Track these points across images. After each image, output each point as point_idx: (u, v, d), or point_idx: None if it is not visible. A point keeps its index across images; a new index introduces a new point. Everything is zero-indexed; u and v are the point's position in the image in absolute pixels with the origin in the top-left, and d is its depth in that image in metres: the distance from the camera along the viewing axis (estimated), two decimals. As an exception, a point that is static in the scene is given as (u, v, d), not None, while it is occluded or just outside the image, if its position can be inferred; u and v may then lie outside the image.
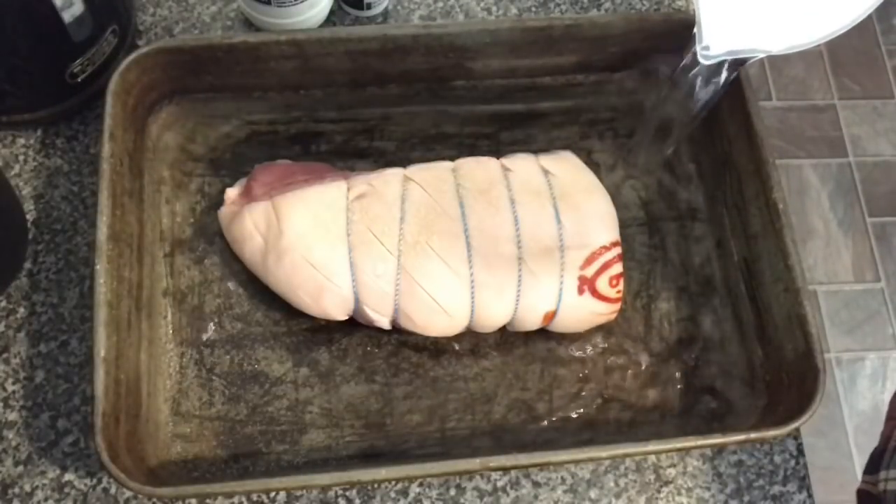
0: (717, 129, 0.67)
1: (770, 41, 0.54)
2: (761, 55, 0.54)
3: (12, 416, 0.59)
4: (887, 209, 1.63)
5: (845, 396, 1.49)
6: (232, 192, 0.63)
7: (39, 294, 0.62)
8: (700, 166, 0.68)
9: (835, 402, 1.48)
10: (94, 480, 0.58)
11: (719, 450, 0.61)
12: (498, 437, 0.60)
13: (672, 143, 0.64)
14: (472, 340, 0.62)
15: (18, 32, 0.59)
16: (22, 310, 0.62)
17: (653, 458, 0.60)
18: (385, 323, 0.60)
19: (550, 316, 0.59)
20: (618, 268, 0.59)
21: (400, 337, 0.62)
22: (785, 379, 0.59)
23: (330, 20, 0.73)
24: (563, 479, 0.60)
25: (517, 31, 0.64)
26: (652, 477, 0.60)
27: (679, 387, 0.62)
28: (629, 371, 0.62)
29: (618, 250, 0.59)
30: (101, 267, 0.55)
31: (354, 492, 0.59)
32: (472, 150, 0.67)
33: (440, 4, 0.74)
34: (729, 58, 0.55)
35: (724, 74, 0.56)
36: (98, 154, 0.58)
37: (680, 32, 0.65)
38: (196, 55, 0.62)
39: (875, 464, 0.66)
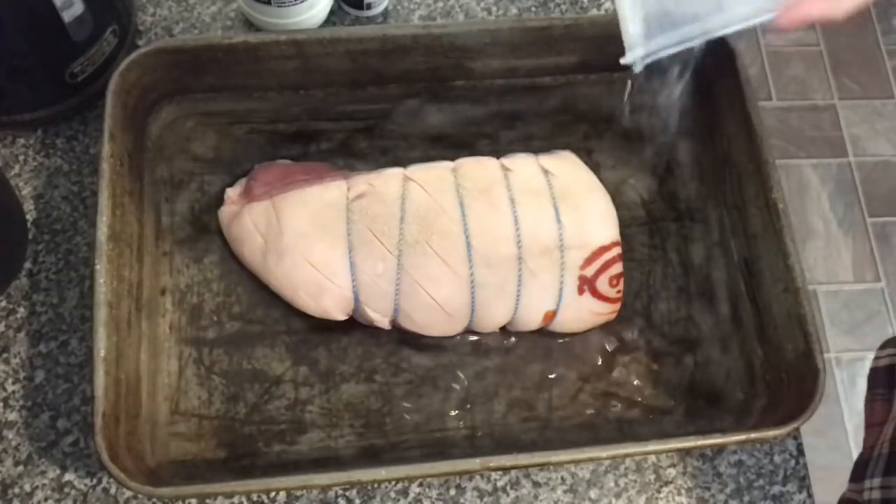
0: (717, 129, 0.67)
1: (692, 31, 0.52)
2: (691, 45, 0.53)
3: (12, 416, 0.59)
4: (887, 209, 1.63)
5: (845, 396, 1.48)
6: (232, 192, 0.63)
7: (39, 294, 0.62)
8: (700, 166, 0.68)
9: (835, 402, 1.48)
10: (94, 480, 0.58)
11: (719, 450, 0.61)
12: (498, 437, 0.60)
13: (654, 149, 0.63)
14: (472, 340, 0.62)
15: (18, 32, 0.59)
16: (22, 310, 0.62)
17: (653, 458, 0.60)
18: (385, 323, 0.59)
19: (550, 316, 0.59)
20: (618, 268, 0.59)
21: (400, 337, 0.62)
22: (785, 379, 0.59)
23: (330, 20, 0.73)
24: (563, 479, 0.60)
25: (517, 31, 0.64)
26: (652, 477, 0.60)
27: (679, 386, 0.62)
28: (629, 371, 0.62)
29: (618, 250, 0.59)
30: (101, 267, 0.55)
31: (354, 492, 0.59)
32: (472, 150, 0.67)
33: (440, 4, 0.74)
34: (656, 56, 0.53)
35: (675, 77, 0.56)
36: (98, 154, 0.58)
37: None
38: (196, 55, 0.62)
39: (860, 472, 0.66)
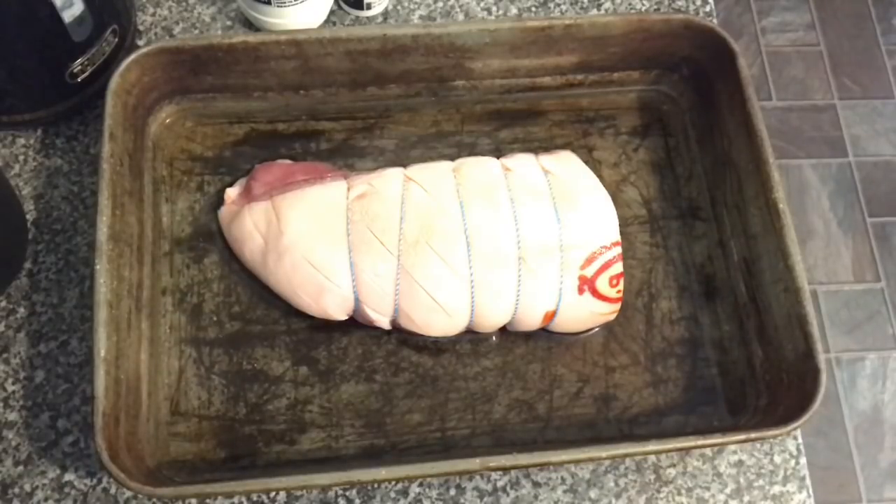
0: (717, 129, 0.67)
1: None
2: None
3: (12, 416, 0.59)
4: (887, 209, 1.63)
5: (845, 396, 1.48)
6: (232, 192, 0.63)
7: (39, 294, 0.62)
8: (701, 166, 0.68)
9: (835, 402, 1.48)
10: (94, 480, 0.58)
11: (719, 450, 0.61)
12: (498, 437, 0.60)
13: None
14: (472, 340, 0.62)
15: (18, 32, 0.59)
16: (22, 310, 0.62)
17: (653, 458, 0.60)
18: (385, 323, 0.60)
19: (550, 316, 0.59)
20: (618, 267, 0.59)
21: (400, 337, 0.62)
22: (785, 379, 0.59)
23: (330, 20, 0.73)
24: (563, 479, 0.60)
25: (517, 31, 0.64)
26: (652, 477, 0.60)
27: (679, 386, 0.62)
28: (629, 371, 0.62)
29: (618, 250, 0.59)
30: (101, 267, 0.55)
31: (354, 492, 0.59)
32: (473, 149, 0.67)
33: (440, 4, 0.74)
34: None
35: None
36: (98, 154, 0.58)
37: (680, 32, 0.66)
38: (196, 55, 0.62)
39: None
